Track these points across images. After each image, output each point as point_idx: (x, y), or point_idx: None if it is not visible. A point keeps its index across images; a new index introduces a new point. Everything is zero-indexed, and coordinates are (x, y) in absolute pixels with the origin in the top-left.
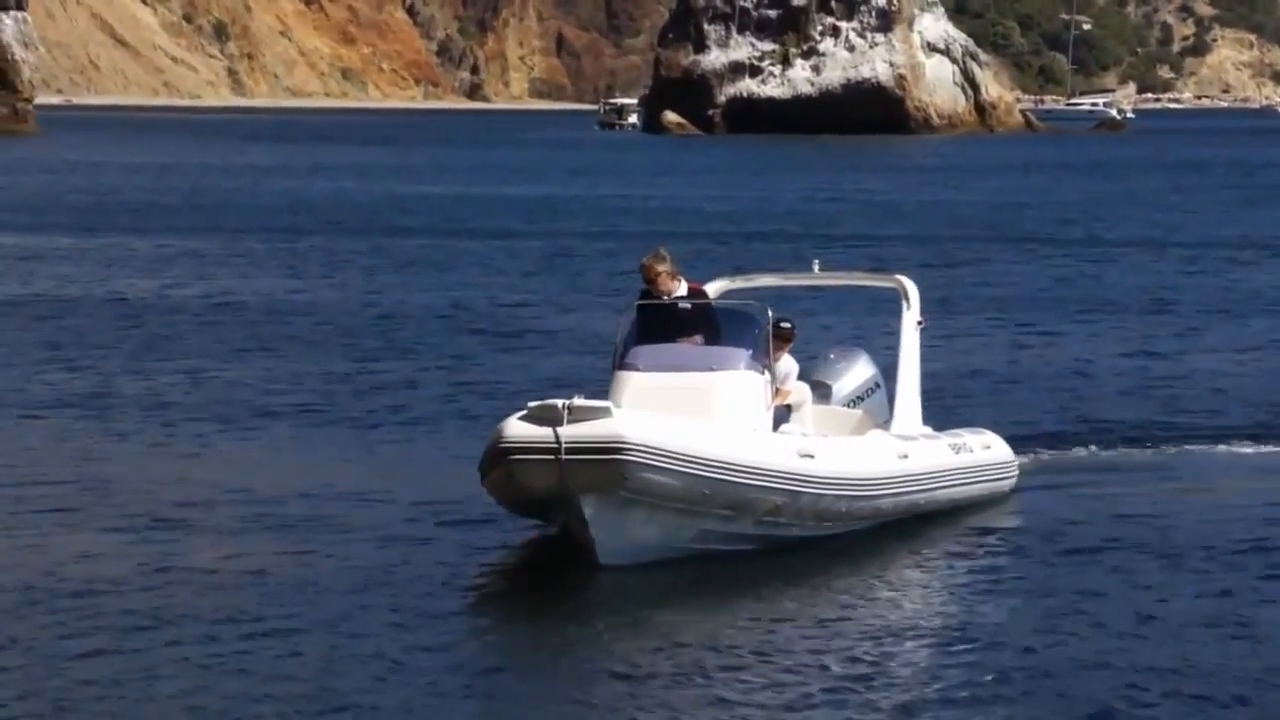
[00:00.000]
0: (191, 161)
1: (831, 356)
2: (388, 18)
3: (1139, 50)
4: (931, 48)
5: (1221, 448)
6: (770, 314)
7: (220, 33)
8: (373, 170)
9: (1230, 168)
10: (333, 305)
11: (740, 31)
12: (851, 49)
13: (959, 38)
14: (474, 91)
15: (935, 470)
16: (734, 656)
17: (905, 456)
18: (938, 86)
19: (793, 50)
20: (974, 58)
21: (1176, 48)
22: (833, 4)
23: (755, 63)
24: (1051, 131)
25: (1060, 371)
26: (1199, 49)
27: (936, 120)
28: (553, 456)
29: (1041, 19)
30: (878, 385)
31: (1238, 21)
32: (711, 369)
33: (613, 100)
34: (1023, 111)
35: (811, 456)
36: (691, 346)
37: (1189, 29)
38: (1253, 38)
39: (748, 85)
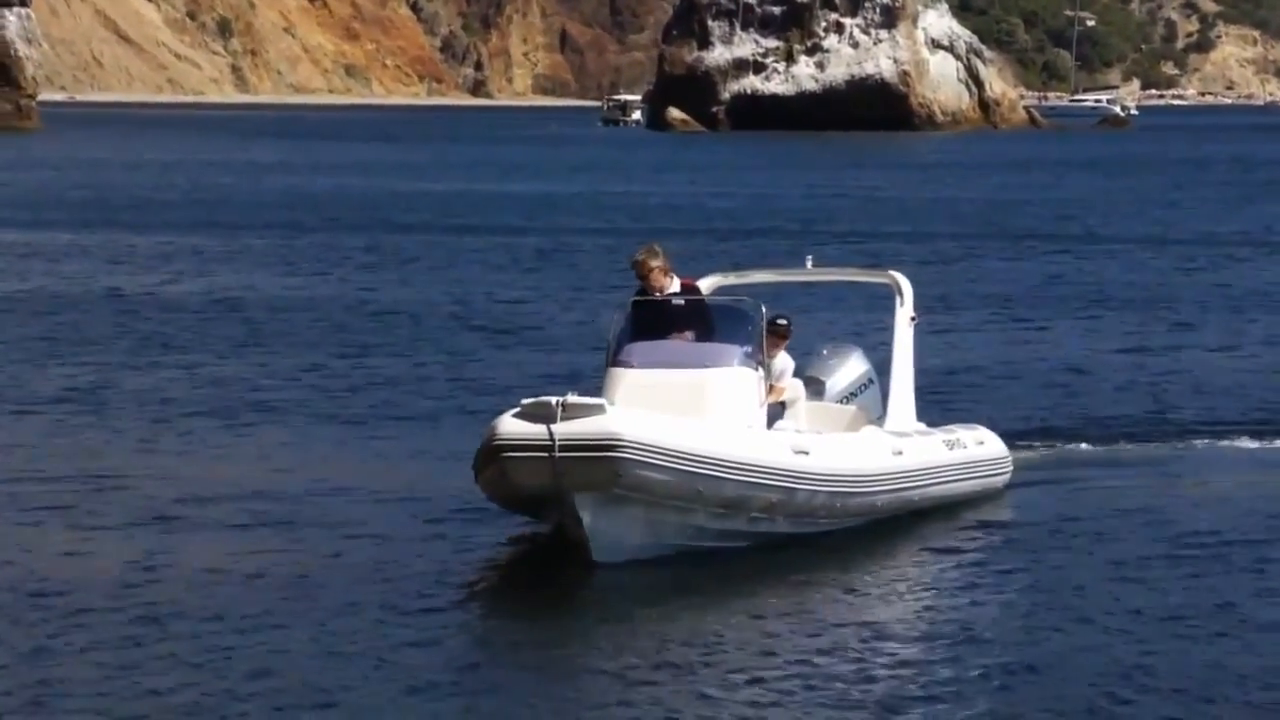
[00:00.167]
0: (194, 158)
1: (825, 352)
2: (391, 14)
3: (1143, 47)
4: (935, 44)
5: (1218, 443)
6: (765, 310)
7: (224, 29)
8: (375, 167)
9: (1232, 164)
10: (331, 301)
11: (744, 28)
12: (855, 45)
13: (963, 34)
14: (477, 88)
15: (929, 466)
16: (727, 653)
17: (899, 453)
18: (942, 83)
19: (797, 47)
20: (978, 54)
21: (1180, 44)
22: (837, 0)
23: (759, 59)
24: (1055, 128)
25: (1056, 367)
26: (1203, 45)
27: (940, 117)
28: (546, 454)
29: (1045, 15)
30: (871, 381)
31: (1242, 18)
32: (705, 366)
33: (616, 97)
34: (1026, 108)
35: (805, 453)
36: (685, 343)
37: (1193, 25)
38: (1257, 34)
39: (752, 82)
